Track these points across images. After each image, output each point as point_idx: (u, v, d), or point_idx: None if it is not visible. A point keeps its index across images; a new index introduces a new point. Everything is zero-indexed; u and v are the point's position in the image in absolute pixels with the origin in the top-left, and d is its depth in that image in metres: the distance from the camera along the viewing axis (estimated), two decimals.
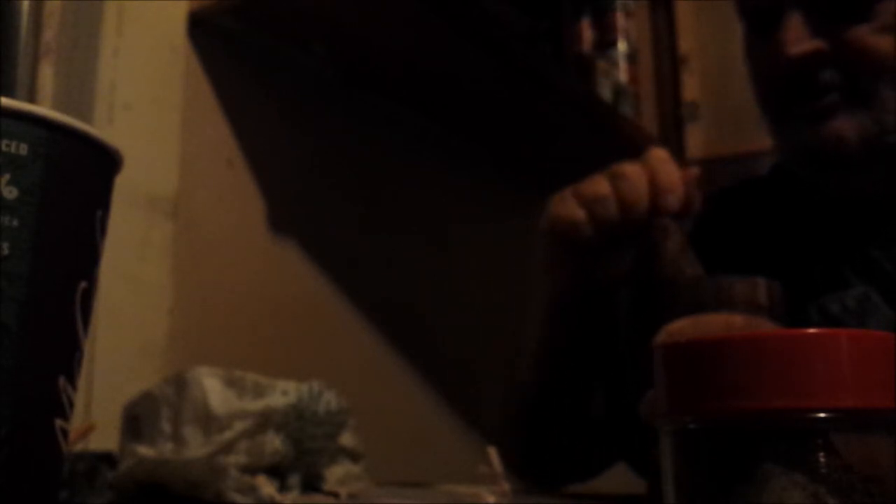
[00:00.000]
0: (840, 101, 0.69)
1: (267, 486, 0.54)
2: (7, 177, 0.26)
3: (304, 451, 0.59)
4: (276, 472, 0.57)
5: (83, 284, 0.29)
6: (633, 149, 1.32)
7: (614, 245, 0.65)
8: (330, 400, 0.61)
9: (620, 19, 1.38)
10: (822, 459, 0.23)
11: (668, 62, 1.68)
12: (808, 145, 0.72)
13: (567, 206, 0.65)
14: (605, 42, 1.37)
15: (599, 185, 0.64)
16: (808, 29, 0.69)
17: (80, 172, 0.28)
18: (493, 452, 0.63)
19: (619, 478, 0.92)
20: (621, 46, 1.38)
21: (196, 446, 0.56)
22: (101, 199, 0.30)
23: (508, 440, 0.83)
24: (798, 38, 0.69)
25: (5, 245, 0.26)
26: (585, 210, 0.64)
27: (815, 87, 0.70)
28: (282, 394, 0.59)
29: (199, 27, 0.98)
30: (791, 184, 0.79)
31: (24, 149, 0.27)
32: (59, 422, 0.28)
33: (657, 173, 0.62)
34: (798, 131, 0.72)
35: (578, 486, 0.90)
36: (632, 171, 0.63)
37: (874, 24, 0.68)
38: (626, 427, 0.80)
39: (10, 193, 0.26)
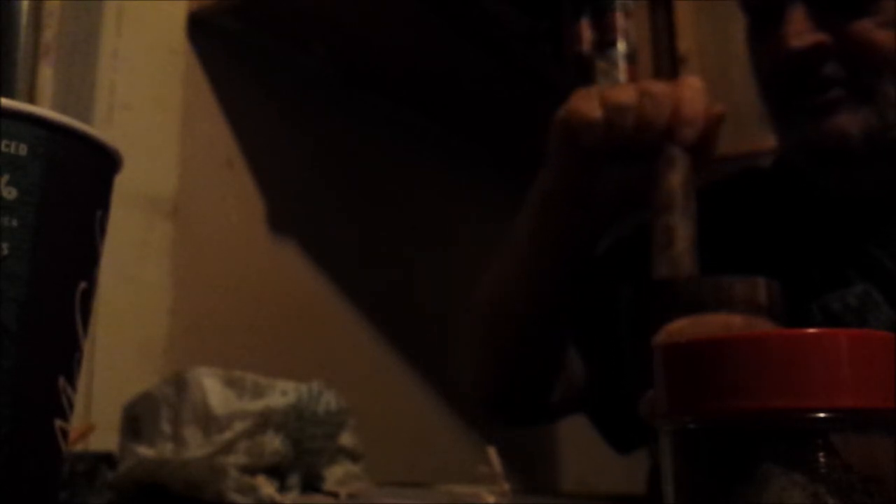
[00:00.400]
0: (842, 96, 0.69)
1: (267, 486, 0.54)
2: (7, 177, 0.26)
3: (303, 451, 0.59)
4: (276, 472, 0.57)
5: (83, 285, 0.29)
6: None
7: (619, 158, 0.64)
8: (330, 400, 0.61)
9: (620, 19, 1.38)
10: (822, 459, 0.23)
11: (667, 62, 1.68)
12: (811, 140, 0.71)
13: (587, 104, 0.64)
14: (605, 42, 1.37)
15: (625, 93, 0.63)
16: (811, 22, 0.69)
17: (79, 172, 0.28)
18: (492, 452, 0.63)
19: (619, 478, 0.92)
20: (621, 46, 1.37)
21: (196, 446, 0.56)
22: (100, 199, 0.30)
23: (470, 352, 0.81)
24: (800, 32, 0.69)
25: (5, 245, 0.26)
26: (604, 112, 0.63)
27: (818, 81, 0.69)
28: (281, 394, 0.59)
29: (199, 27, 0.98)
30: (792, 180, 0.79)
31: (23, 149, 0.27)
32: (59, 422, 0.28)
33: (683, 101, 0.61)
34: (800, 126, 0.72)
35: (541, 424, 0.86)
36: (660, 91, 0.62)
37: (878, 18, 0.68)
38: (617, 414, 0.79)
39: (10, 193, 0.26)
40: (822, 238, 0.75)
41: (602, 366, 0.79)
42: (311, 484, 0.59)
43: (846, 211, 0.75)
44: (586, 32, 1.35)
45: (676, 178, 0.60)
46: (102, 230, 0.30)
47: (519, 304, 0.74)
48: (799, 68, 0.70)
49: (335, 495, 0.58)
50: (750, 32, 0.76)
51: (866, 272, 0.72)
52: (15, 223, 0.26)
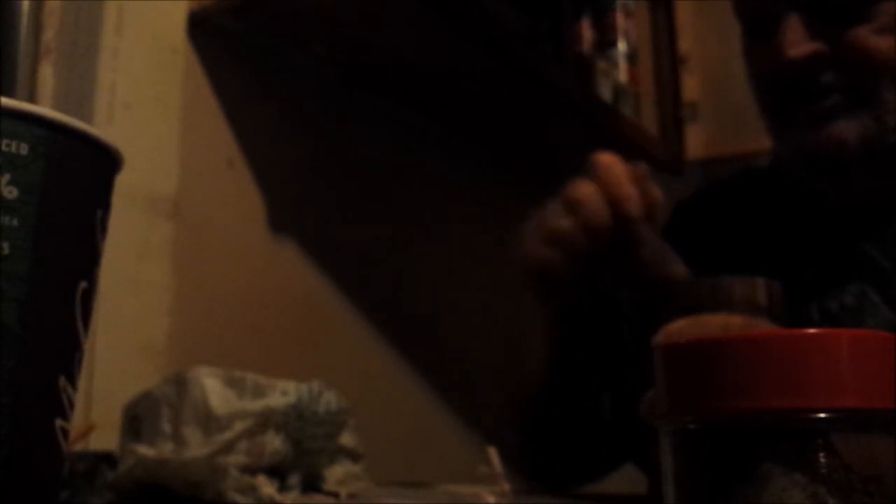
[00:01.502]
0: (840, 104, 0.69)
1: (267, 486, 0.54)
2: (7, 177, 0.26)
3: (304, 451, 0.59)
4: (276, 472, 0.57)
5: (83, 284, 0.29)
6: (633, 149, 1.32)
7: (590, 264, 0.65)
8: (330, 400, 0.61)
9: (620, 19, 1.38)
10: (822, 459, 0.23)
11: (667, 62, 1.68)
12: (809, 148, 0.71)
13: (535, 248, 0.65)
14: (605, 42, 1.37)
15: (559, 219, 0.63)
16: (807, 31, 0.69)
17: (80, 172, 0.28)
18: (493, 452, 0.63)
19: (619, 478, 0.92)
20: (621, 46, 1.37)
21: (196, 446, 0.56)
22: (101, 199, 0.30)
23: (518, 443, 0.83)
24: (796, 41, 0.68)
25: (5, 245, 0.26)
26: (553, 248, 0.64)
27: (815, 89, 0.69)
28: (282, 394, 0.59)
29: (199, 27, 0.98)
30: (789, 181, 0.79)
31: (24, 149, 0.27)
32: (59, 422, 0.28)
33: (610, 186, 0.61)
34: (798, 134, 0.71)
35: (587, 486, 0.90)
36: (586, 193, 0.62)
37: (874, 24, 0.68)
38: (630, 427, 0.80)
39: (10, 193, 0.26)
40: (819, 239, 0.75)
41: (616, 388, 0.81)
42: (312, 484, 0.59)
43: (843, 213, 0.75)
44: (586, 32, 1.35)
45: (652, 250, 0.61)
46: (103, 230, 0.30)
47: (560, 393, 0.77)
48: (796, 77, 0.69)
49: (335, 495, 0.58)
50: (745, 40, 0.76)
51: (863, 272, 0.72)
52: (16, 223, 0.26)
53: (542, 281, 0.66)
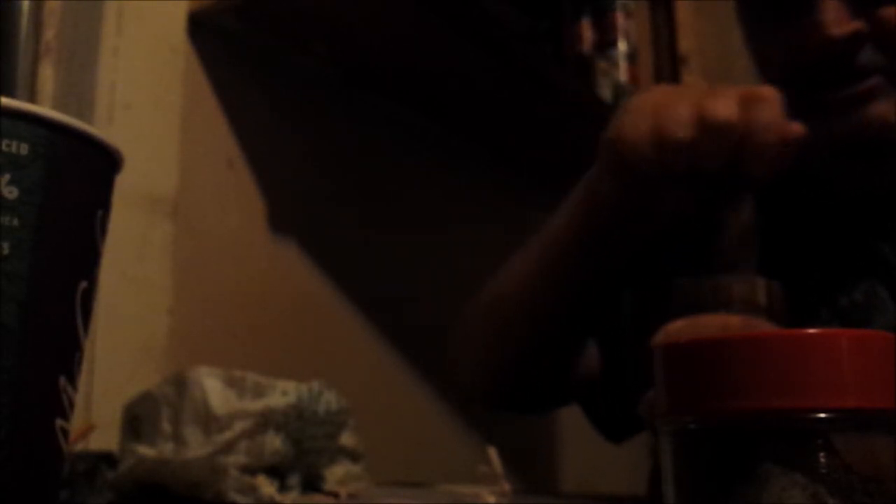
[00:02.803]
0: (881, 84, 0.66)
1: (267, 486, 0.54)
2: (7, 177, 0.26)
3: (304, 451, 0.59)
4: (276, 472, 0.58)
5: (83, 284, 0.29)
6: None
7: (687, 180, 0.59)
8: (330, 400, 0.61)
9: (620, 19, 1.38)
10: (822, 459, 0.23)
11: (668, 62, 1.68)
12: (846, 132, 0.68)
13: (636, 132, 0.58)
14: (605, 42, 1.37)
15: (681, 126, 0.56)
16: (846, 10, 0.66)
17: (80, 172, 0.28)
18: (492, 452, 0.63)
19: (619, 478, 0.92)
20: (621, 46, 1.37)
21: (196, 446, 0.56)
22: (101, 199, 0.30)
23: (462, 340, 0.80)
24: (838, 19, 0.66)
25: (5, 245, 0.26)
26: (653, 149, 0.57)
27: (854, 70, 0.66)
28: (282, 394, 0.59)
29: (199, 27, 0.98)
30: (797, 175, 0.78)
31: (24, 149, 0.27)
32: (59, 422, 0.28)
33: (752, 133, 0.55)
34: (831, 118, 0.68)
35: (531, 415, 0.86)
36: (724, 122, 0.55)
37: None
38: (610, 404, 0.79)
39: (11, 193, 0.26)
40: (830, 235, 0.75)
41: (602, 358, 0.79)
42: (312, 484, 0.59)
43: (854, 207, 0.74)
44: (586, 32, 1.35)
45: (734, 231, 0.57)
46: (103, 230, 0.30)
47: (542, 303, 0.71)
48: (836, 57, 0.66)
49: (335, 495, 0.58)
50: (758, 25, 0.73)
51: (873, 268, 0.71)
52: (16, 222, 0.26)
53: (621, 162, 0.60)
